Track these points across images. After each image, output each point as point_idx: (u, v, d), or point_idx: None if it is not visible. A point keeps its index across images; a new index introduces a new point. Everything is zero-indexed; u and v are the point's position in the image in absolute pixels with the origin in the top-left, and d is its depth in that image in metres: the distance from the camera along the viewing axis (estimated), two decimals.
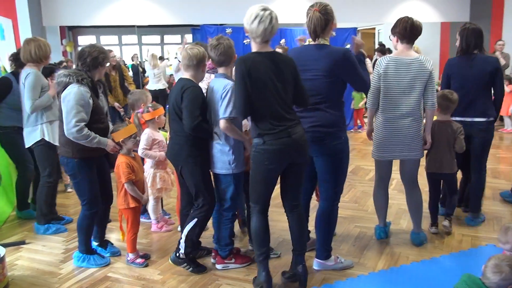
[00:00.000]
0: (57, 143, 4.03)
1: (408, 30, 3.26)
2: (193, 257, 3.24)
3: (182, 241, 3.16)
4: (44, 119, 3.87)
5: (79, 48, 3.40)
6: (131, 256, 3.37)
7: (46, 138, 3.87)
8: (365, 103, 4.47)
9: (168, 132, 3.43)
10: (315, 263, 3.19)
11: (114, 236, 3.88)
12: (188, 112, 2.90)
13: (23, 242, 3.82)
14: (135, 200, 3.30)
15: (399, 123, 3.29)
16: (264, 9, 2.65)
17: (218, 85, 2.96)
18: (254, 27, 2.65)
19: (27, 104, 3.75)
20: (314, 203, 3.42)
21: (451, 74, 3.80)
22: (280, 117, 2.67)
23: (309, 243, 3.44)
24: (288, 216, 2.95)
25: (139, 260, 3.37)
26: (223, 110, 2.88)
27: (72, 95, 3.04)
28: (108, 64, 3.39)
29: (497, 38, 8.85)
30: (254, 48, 2.76)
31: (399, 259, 3.33)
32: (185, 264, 3.20)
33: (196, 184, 3.09)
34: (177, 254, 3.21)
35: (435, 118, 3.54)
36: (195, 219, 3.13)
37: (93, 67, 3.21)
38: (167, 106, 3.24)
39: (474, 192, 3.91)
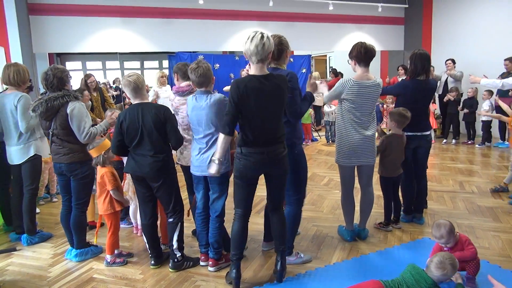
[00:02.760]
0: (46, 157, 3.88)
1: (363, 53, 3.27)
2: (186, 255, 3.19)
3: (175, 248, 3.08)
4: (35, 136, 3.71)
5: (41, 73, 3.29)
6: (110, 257, 3.26)
7: (39, 153, 3.73)
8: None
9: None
10: None
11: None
12: (177, 132, 2.95)
13: (14, 249, 3.62)
14: (119, 204, 3.26)
15: (365, 134, 3.31)
16: (256, 31, 2.58)
17: (214, 99, 2.90)
18: (247, 47, 2.54)
19: (22, 125, 3.57)
20: None
21: (403, 94, 3.79)
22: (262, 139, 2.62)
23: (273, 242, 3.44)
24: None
25: (118, 260, 3.27)
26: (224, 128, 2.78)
27: (77, 110, 3.19)
28: (71, 78, 3.37)
29: None
30: (252, 70, 2.63)
31: (350, 253, 3.36)
32: (185, 263, 3.14)
33: (176, 193, 3.09)
34: (175, 260, 3.11)
35: (388, 131, 3.61)
36: (179, 223, 3.09)
37: (61, 85, 3.23)
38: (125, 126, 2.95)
39: (424, 195, 4.00)
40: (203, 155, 2.99)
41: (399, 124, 3.62)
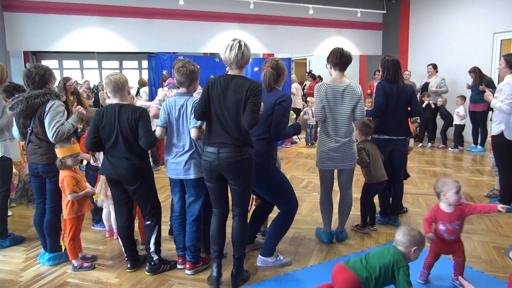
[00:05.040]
0: (16, 159, 3.76)
1: (339, 58, 3.36)
2: (163, 258, 3.15)
3: (152, 251, 3.05)
4: (4, 137, 3.60)
5: (24, 69, 3.26)
6: (76, 262, 3.18)
7: (7, 155, 3.60)
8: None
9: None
10: (258, 260, 3.19)
11: None
12: (148, 132, 2.86)
13: None
14: (87, 206, 3.17)
15: (340, 141, 3.36)
16: (234, 39, 2.69)
17: (188, 102, 2.91)
18: (227, 55, 2.67)
19: None
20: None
21: (388, 96, 3.77)
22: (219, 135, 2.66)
23: (253, 244, 3.44)
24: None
25: (86, 264, 3.21)
26: (195, 121, 2.83)
27: (54, 107, 3.10)
28: (54, 78, 3.30)
29: (403, 69, 9.40)
30: (229, 72, 2.76)
31: (327, 255, 3.39)
32: (162, 266, 3.09)
33: (153, 196, 3.06)
34: (152, 263, 3.07)
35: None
36: (157, 226, 3.05)
37: (43, 83, 3.17)
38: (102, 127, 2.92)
39: (400, 198, 4.05)
40: (179, 158, 2.97)
41: (362, 132, 3.78)
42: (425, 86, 8.51)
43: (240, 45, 2.66)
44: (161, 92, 3.45)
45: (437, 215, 2.72)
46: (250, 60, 8.04)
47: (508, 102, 4.11)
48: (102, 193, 3.56)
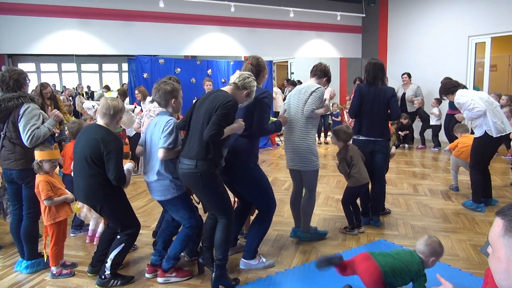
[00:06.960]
0: None
1: (313, 68, 3.63)
2: (116, 272, 3.01)
3: (108, 265, 2.93)
4: None
5: None
6: (55, 269, 3.11)
7: None
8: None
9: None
10: (241, 263, 3.18)
11: None
12: (115, 165, 2.72)
13: None
14: (65, 212, 3.09)
15: (291, 138, 3.48)
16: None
17: (162, 120, 2.87)
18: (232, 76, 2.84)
19: None
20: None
21: (363, 97, 3.88)
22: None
23: (236, 247, 3.44)
24: None
25: (65, 272, 3.14)
26: (163, 141, 2.77)
27: (29, 110, 3.05)
28: (29, 81, 3.25)
29: None
30: None
31: (310, 256, 3.40)
32: (112, 281, 2.95)
33: (120, 218, 2.92)
34: (102, 277, 2.94)
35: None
36: (123, 245, 2.93)
37: (18, 87, 3.13)
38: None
39: (380, 198, 4.10)
40: (153, 178, 2.92)
41: (344, 141, 3.84)
42: (403, 97, 8.64)
43: (250, 75, 2.82)
44: (149, 105, 3.44)
45: None
46: (231, 63, 8.04)
47: (473, 108, 4.22)
48: (86, 207, 3.44)
